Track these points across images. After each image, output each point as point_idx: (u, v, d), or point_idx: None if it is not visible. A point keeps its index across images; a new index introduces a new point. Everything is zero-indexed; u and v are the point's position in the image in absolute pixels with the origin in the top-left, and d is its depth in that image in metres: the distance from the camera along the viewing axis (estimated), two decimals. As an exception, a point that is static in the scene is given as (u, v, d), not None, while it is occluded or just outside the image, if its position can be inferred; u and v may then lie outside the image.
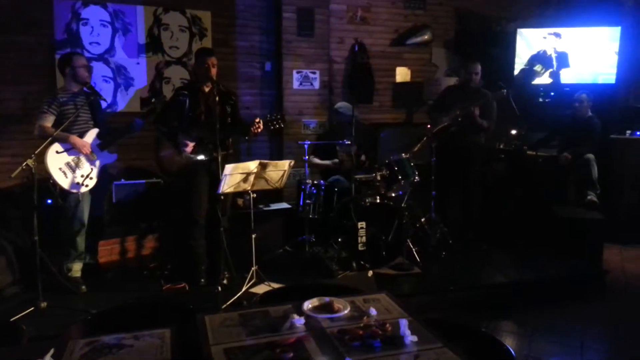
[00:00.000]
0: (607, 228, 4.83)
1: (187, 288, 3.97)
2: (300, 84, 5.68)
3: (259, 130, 3.88)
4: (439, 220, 4.88)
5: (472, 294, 4.06)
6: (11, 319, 3.22)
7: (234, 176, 3.67)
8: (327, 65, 5.83)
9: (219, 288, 3.84)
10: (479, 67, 4.97)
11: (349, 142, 4.55)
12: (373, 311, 1.83)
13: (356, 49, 6.05)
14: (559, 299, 4.10)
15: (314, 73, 5.72)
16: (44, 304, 3.47)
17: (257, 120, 3.87)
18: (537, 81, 6.30)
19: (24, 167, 3.37)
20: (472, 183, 5.10)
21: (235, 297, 3.65)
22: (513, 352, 1.81)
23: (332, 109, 5.50)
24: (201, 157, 3.90)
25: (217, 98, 3.79)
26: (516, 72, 6.37)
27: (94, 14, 5.02)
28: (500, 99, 4.93)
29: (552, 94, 6.35)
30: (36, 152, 3.45)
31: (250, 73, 5.72)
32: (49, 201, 4.13)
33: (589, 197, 5.24)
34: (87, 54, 4.92)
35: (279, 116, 3.97)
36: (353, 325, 1.74)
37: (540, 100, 6.40)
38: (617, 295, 4.32)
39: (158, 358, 1.58)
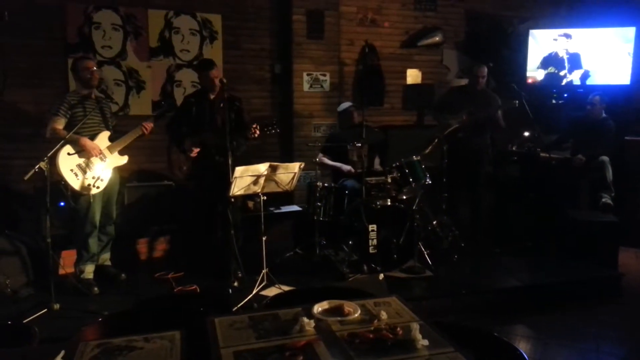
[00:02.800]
0: (622, 231, 4.77)
1: (197, 290, 3.97)
2: (311, 86, 5.68)
3: (256, 135, 3.96)
4: (451, 223, 4.84)
5: (484, 298, 4.02)
6: (24, 320, 3.25)
7: (244, 178, 3.68)
8: (337, 67, 5.83)
9: (230, 290, 3.83)
10: (485, 71, 4.91)
11: (360, 144, 4.53)
12: (384, 315, 1.81)
13: (366, 50, 6.03)
14: (573, 302, 4.05)
15: (324, 75, 5.72)
16: (56, 306, 3.49)
17: (255, 125, 3.97)
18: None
19: (37, 170, 3.40)
20: (482, 185, 5.05)
21: (246, 299, 3.64)
22: (526, 357, 1.78)
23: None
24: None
25: (221, 105, 3.94)
26: (529, 73, 6.31)
27: (106, 17, 5.06)
28: (512, 108, 4.86)
29: (566, 95, 6.28)
30: (49, 154, 3.49)
31: (260, 75, 5.73)
32: (62, 204, 4.16)
33: (603, 200, 5.17)
34: (99, 58, 4.97)
35: (273, 122, 4.09)
36: (363, 329, 1.72)
37: (554, 101, 6.33)
38: (633, 299, 4.25)
39: (168, 360, 1.58)
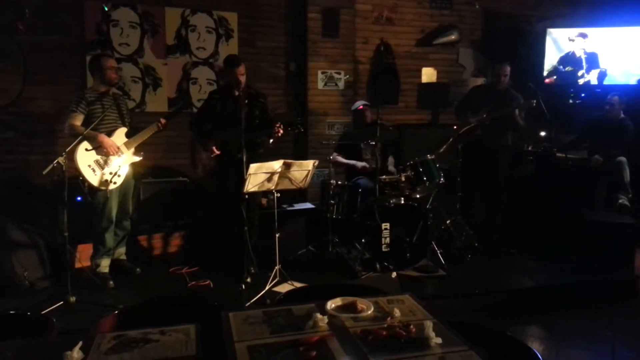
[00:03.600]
0: (638, 233, 4.69)
1: (211, 285, 4.01)
2: (325, 84, 5.68)
3: (280, 134, 3.97)
4: (465, 223, 4.82)
5: (498, 298, 4.00)
6: (41, 313, 3.30)
7: (258, 175, 3.69)
8: (352, 65, 5.82)
9: (243, 286, 3.86)
10: (507, 69, 4.88)
11: (374, 143, 4.52)
12: (397, 312, 1.81)
13: (381, 49, 6.01)
14: (588, 304, 4.01)
15: (339, 73, 5.72)
16: (72, 299, 3.55)
17: (278, 124, 3.96)
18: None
19: (55, 165, 3.45)
20: (500, 186, 5.02)
21: (259, 295, 3.67)
22: (540, 357, 1.77)
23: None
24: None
25: (245, 101, 3.93)
26: (546, 73, 6.25)
27: (124, 15, 5.12)
28: (530, 108, 4.83)
29: (583, 95, 6.20)
30: (67, 150, 3.54)
31: (275, 73, 5.75)
32: (79, 198, 4.22)
33: (620, 201, 5.10)
34: (116, 55, 5.02)
35: (298, 121, 4.08)
36: (377, 326, 1.73)
37: (571, 101, 6.26)
38: (649, 302, 4.20)
39: (183, 353, 1.60)
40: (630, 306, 4.12)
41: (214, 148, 4.05)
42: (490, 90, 5.02)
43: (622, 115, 5.37)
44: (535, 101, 4.69)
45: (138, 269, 4.22)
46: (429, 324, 1.66)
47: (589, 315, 3.87)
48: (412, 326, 1.69)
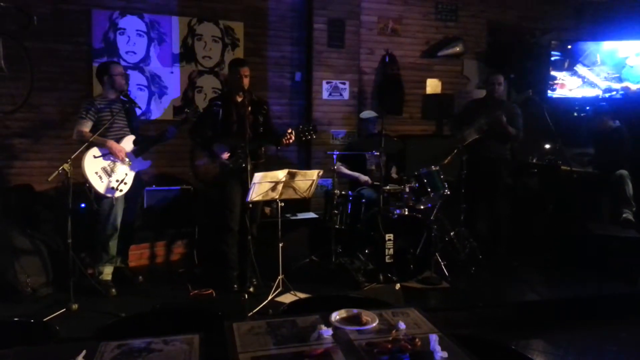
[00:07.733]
0: (643, 247, 4.66)
1: (213, 294, 3.99)
2: (330, 94, 5.70)
3: (291, 140, 3.92)
4: (469, 235, 4.80)
5: (501, 311, 3.97)
6: (43, 320, 3.29)
7: (263, 185, 3.69)
8: (357, 76, 5.84)
9: (246, 296, 3.84)
10: (501, 78, 4.92)
11: (378, 153, 4.52)
12: (402, 325, 1.80)
13: (386, 60, 6.04)
14: (592, 319, 3.97)
15: (344, 84, 5.74)
16: (75, 306, 3.54)
17: (290, 130, 3.91)
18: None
19: (60, 172, 3.46)
20: (500, 197, 5.00)
21: (261, 305, 3.65)
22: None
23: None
24: (238, 163, 3.92)
25: (249, 108, 3.89)
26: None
27: (131, 23, 5.16)
28: (529, 103, 4.82)
29: (588, 108, 6.20)
30: (72, 156, 3.55)
31: (280, 83, 5.78)
32: (83, 205, 4.23)
33: (624, 215, 5.05)
34: (123, 63, 5.05)
35: (310, 127, 4.01)
36: (382, 339, 1.72)
37: (576, 114, 6.25)
38: (655, 318, 4.16)
39: (186, 364, 1.59)
40: (635, 322, 4.08)
41: (222, 152, 3.94)
42: (485, 102, 5.04)
43: (615, 126, 5.29)
44: (531, 90, 4.68)
45: (140, 277, 4.21)
46: (434, 337, 1.65)
47: (593, 329, 3.84)
48: (417, 339, 1.69)
